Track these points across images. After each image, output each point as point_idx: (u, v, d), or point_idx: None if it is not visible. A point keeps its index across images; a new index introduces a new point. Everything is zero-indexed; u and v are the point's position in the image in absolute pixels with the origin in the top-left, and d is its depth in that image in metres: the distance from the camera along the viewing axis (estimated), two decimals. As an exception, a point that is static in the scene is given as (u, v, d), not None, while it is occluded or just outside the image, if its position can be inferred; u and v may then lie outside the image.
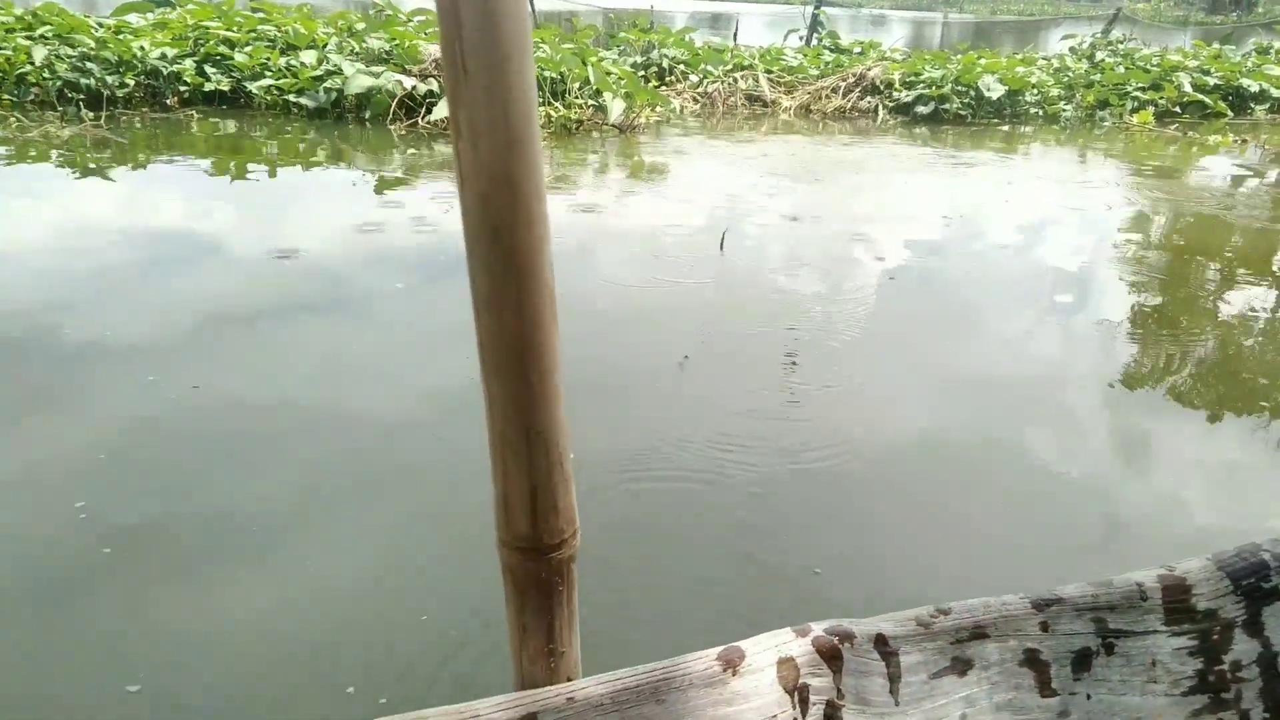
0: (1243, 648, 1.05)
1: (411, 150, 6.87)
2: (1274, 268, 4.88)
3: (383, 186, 5.80)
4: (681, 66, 10.05)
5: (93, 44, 7.78)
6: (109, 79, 7.57)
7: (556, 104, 7.89)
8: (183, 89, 7.88)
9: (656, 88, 9.38)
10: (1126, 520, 2.44)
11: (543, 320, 0.73)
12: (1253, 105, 10.84)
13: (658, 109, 8.60)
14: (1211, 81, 10.79)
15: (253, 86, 7.90)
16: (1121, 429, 2.96)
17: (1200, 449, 2.87)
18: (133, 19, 8.93)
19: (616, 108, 7.77)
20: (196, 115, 7.61)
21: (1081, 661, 1.02)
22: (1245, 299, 4.27)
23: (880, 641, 0.96)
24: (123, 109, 7.58)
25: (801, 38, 12.87)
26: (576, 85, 8.10)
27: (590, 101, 8.05)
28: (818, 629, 0.95)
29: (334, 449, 2.61)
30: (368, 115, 7.71)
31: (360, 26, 9.28)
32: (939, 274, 4.49)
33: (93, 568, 2.05)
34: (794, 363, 3.29)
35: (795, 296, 4.02)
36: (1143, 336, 3.76)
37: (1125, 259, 4.84)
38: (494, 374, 0.74)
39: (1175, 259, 4.95)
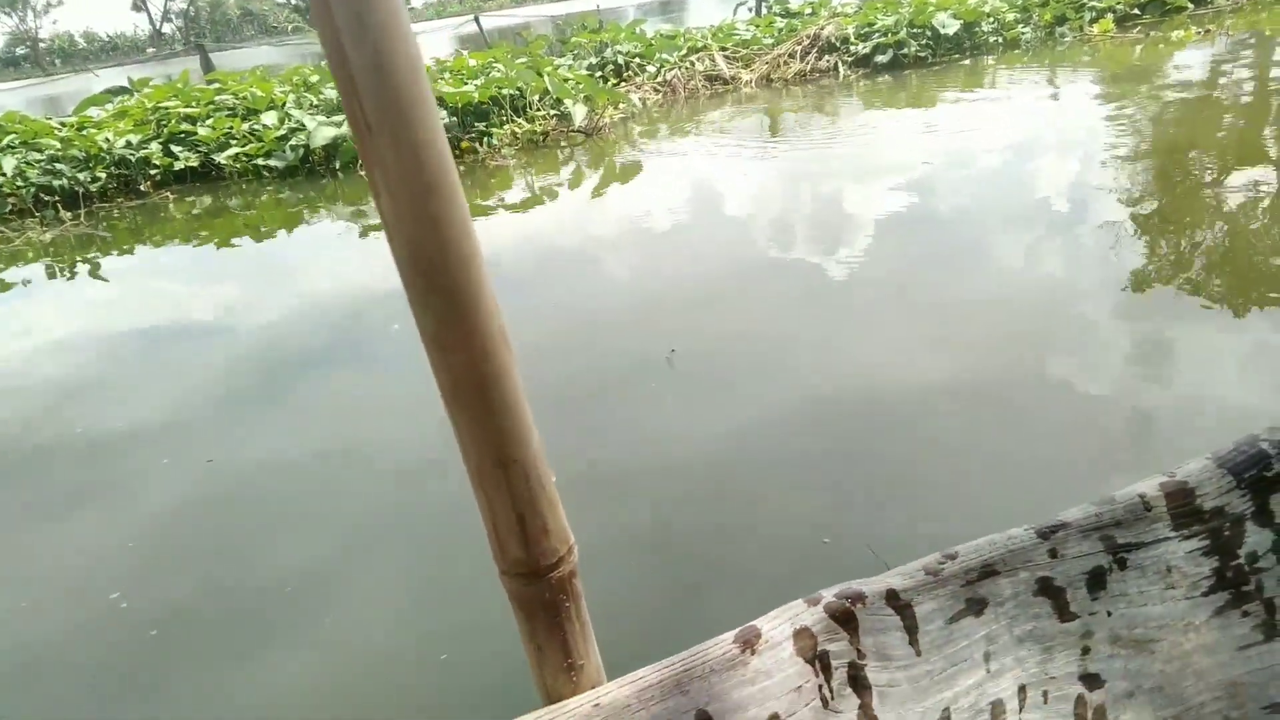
0: (1256, 539, 1.06)
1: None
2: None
3: (366, 231, 5.85)
4: (637, 60, 10.05)
5: (58, 144, 7.86)
6: (80, 176, 7.65)
7: (519, 120, 7.91)
8: (153, 172, 7.94)
9: (615, 85, 9.38)
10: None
11: (495, 352, 0.74)
12: (1212, -8, 10.73)
13: (620, 106, 8.60)
14: (1167, -24, 10.68)
15: (220, 158, 7.95)
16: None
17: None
18: (93, 112, 9.02)
19: (579, 113, 7.78)
20: (171, 196, 7.68)
21: (1096, 581, 1.03)
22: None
23: (891, 597, 0.97)
24: (99, 203, 7.65)
25: (751, 9, 12.84)
26: (536, 98, 8.11)
27: (552, 111, 8.07)
28: (828, 595, 0.96)
29: (347, 501, 2.64)
30: (337, 165, 7.75)
31: (315, 79, 9.34)
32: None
33: (140, 653, 2.09)
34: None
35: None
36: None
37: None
38: (458, 411, 0.76)
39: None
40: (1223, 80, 6.79)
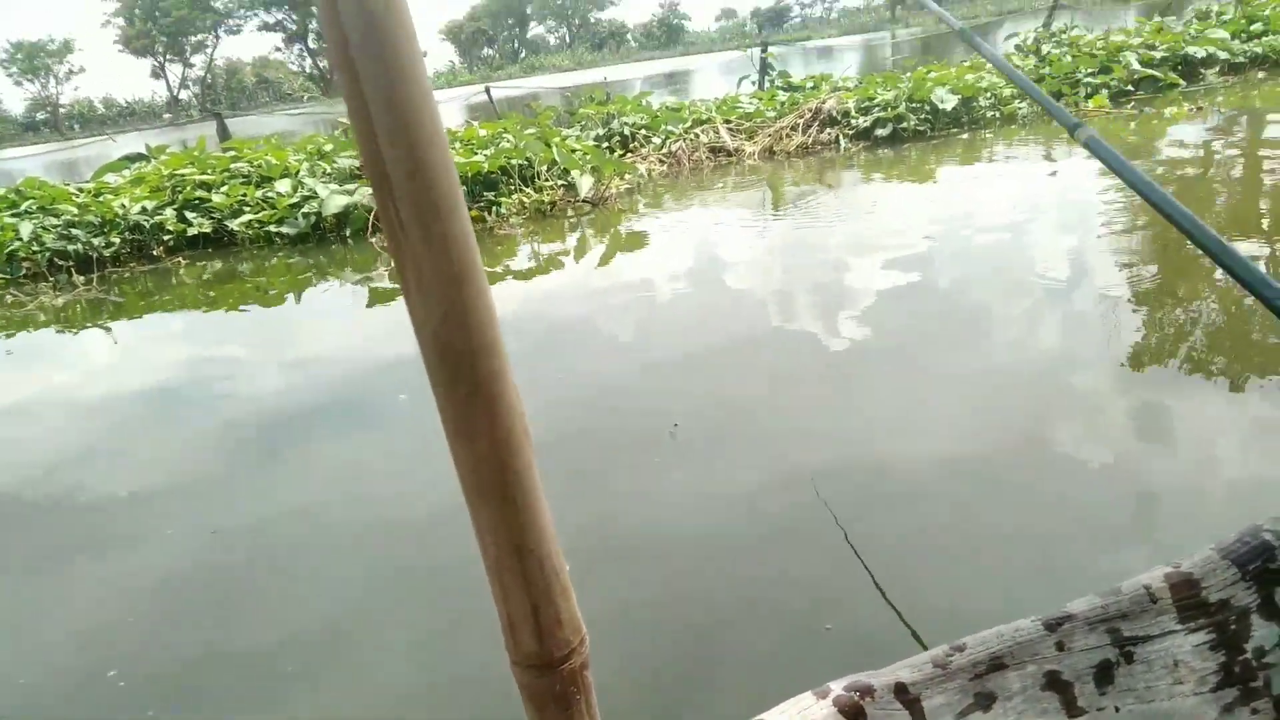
0: (1262, 633, 1.05)
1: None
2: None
3: (374, 298, 5.92)
4: (643, 131, 10.27)
5: (75, 210, 8.01)
6: (95, 241, 7.77)
7: (528, 189, 8.06)
8: (166, 238, 8.07)
9: (622, 156, 9.58)
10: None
11: (516, 442, 0.76)
12: (1202, 70, 11.00)
13: (626, 177, 8.77)
14: (1158, 55, 10.95)
15: (233, 224, 8.09)
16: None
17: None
18: (110, 179, 9.22)
19: (585, 183, 7.93)
20: (184, 262, 7.79)
21: (1104, 675, 1.02)
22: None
23: (900, 690, 0.96)
24: (112, 268, 7.76)
25: (754, 82, 13.16)
26: (545, 168, 8.28)
27: (560, 181, 8.22)
28: (837, 688, 0.96)
29: (351, 577, 2.62)
30: (348, 233, 7.87)
31: (329, 148, 9.55)
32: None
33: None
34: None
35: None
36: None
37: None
38: (478, 501, 0.77)
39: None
40: (1216, 155, 6.92)
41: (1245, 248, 4.48)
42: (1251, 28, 11.93)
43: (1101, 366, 3.33)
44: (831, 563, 2.32)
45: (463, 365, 0.73)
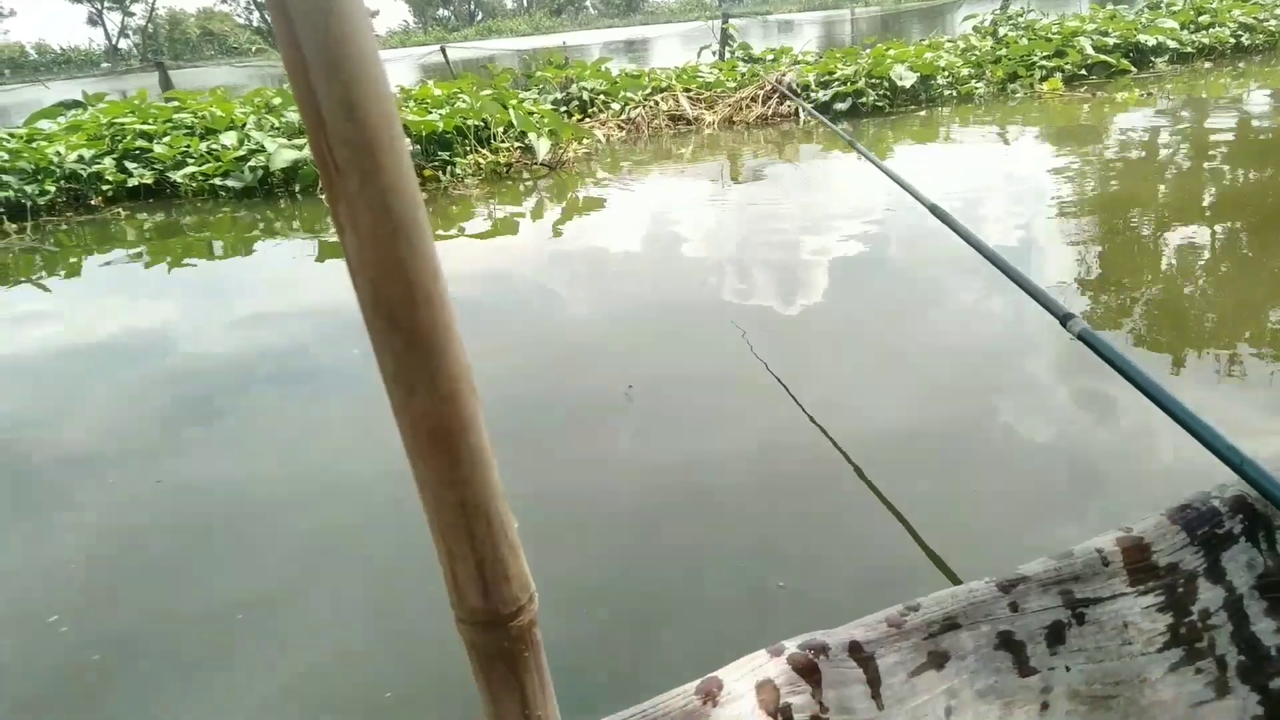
0: (1208, 596, 1.07)
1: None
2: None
3: (324, 254, 5.77)
4: (602, 97, 10.14)
5: (6, 156, 7.65)
6: (28, 189, 7.44)
7: (483, 150, 7.92)
8: (105, 188, 7.77)
9: (580, 121, 9.46)
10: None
11: (460, 395, 0.72)
12: (1153, 59, 11.21)
13: (584, 142, 8.66)
14: (1111, 41, 11.14)
15: (176, 176, 7.81)
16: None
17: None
18: (44, 125, 8.83)
19: (542, 147, 7.81)
20: (123, 212, 7.51)
21: (1055, 635, 1.03)
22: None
23: (855, 649, 0.96)
24: (47, 216, 7.46)
25: (714, 53, 13.07)
26: (501, 129, 8.13)
27: (516, 144, 8.09)
28: (791, 646, 0.96)
29: (299, 527, 2.57)
30: (297, 188, 7.66)
31: (277, 101, 9.26)
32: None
33: (80, 677, 1.99)
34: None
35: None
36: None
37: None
38: (418, 455, 0.73)
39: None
40: (1164, 138, 7.07)
41: (1187, 231, 4.58)
42: (1199, 19, 12.18)
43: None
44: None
45: (400, 315, 0.69)
